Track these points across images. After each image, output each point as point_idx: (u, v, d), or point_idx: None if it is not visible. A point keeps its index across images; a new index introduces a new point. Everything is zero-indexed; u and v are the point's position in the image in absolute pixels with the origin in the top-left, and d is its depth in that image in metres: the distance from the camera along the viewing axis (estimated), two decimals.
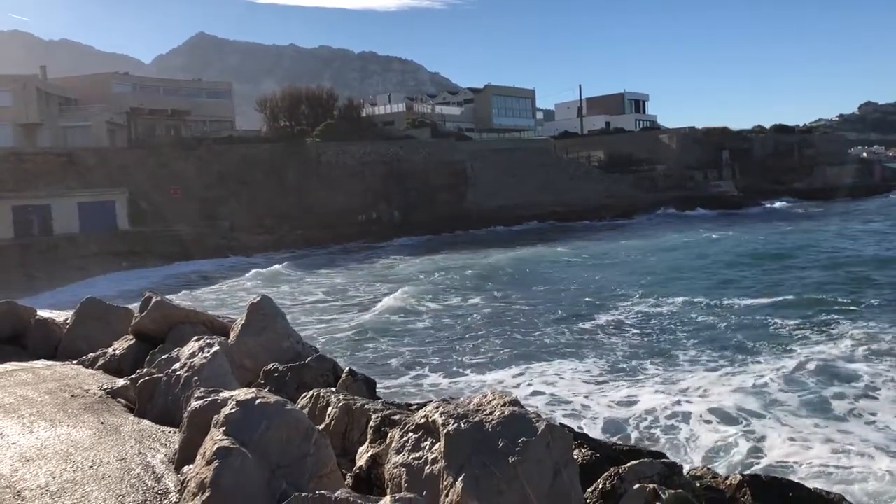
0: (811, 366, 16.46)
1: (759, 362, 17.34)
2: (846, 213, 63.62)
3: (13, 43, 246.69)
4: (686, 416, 13.59)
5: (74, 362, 9.01)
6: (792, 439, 12.21)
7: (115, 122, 62.28)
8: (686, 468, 6.29)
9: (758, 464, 11.07)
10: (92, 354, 9.03)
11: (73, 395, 6.98)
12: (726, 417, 13.45)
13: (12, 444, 5.44)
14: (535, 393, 15.61)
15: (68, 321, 10.61)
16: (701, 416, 13.56)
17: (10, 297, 13.21)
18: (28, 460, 5.05)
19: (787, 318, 21.82)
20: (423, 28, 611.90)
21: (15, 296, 23.65)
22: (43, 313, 11.71)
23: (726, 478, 6.13)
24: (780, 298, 24.99)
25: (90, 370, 8.54)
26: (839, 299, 24.09)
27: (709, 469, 6.60)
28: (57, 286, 37.30)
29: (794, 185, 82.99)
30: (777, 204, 75.39)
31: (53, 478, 4.70)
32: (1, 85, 57.02)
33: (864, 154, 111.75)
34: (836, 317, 21.64)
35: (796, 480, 6.84)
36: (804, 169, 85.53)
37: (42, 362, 9.14)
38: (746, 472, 6.02)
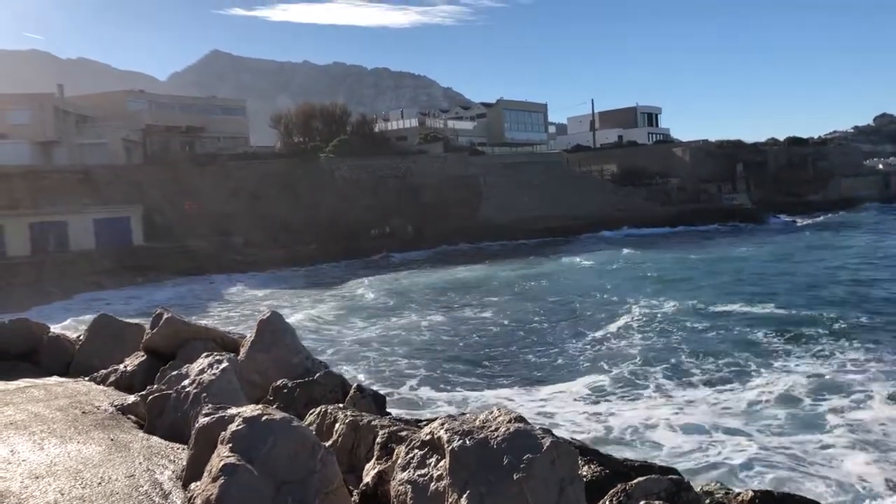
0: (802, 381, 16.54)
1: (749, 374, 17.48)
2: (862, 224, 63.13)
3: (32, 62, 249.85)
4: (666, 427, 13.71)
5: (86, 379, 9.07)
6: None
7: (130, 139, 62.90)
8: (698, 484, 6.23)
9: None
10: (104, 371, 9.07)
11: (83, 412, 7.01)
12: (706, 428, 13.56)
13: (23, 460, 5.47)
14: (523, 398, 15.77)
15: (81, 337, 10.68)
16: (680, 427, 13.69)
17: (24, 313, 13.36)
18: (38, 477, 5.07)
19: (783, 332, 21.75)
20: (435, 44, 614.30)
21: (30, 311, 23.92)
22: (56, 329, 11.81)
23: (737, 494, 6.07)
24: (782, 312, 24.99)
25: (101, 386, 8.58)
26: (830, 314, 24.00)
27: (721, 484, 6.54)
28: (72, 302, 37.61)
29: (809, 197, 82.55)
30: (791, 218, 74.95)
31: (62, 495, 4.72)
32: (19, 104, 57.79)
33: (881, 166, 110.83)
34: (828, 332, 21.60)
35: (809, 497, 6.76)
36: (819, 181, 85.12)
37: (54, 379, 9.20)
38: (758, 489, 5.96)
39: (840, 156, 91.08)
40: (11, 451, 5.72)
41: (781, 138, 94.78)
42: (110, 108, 66.38)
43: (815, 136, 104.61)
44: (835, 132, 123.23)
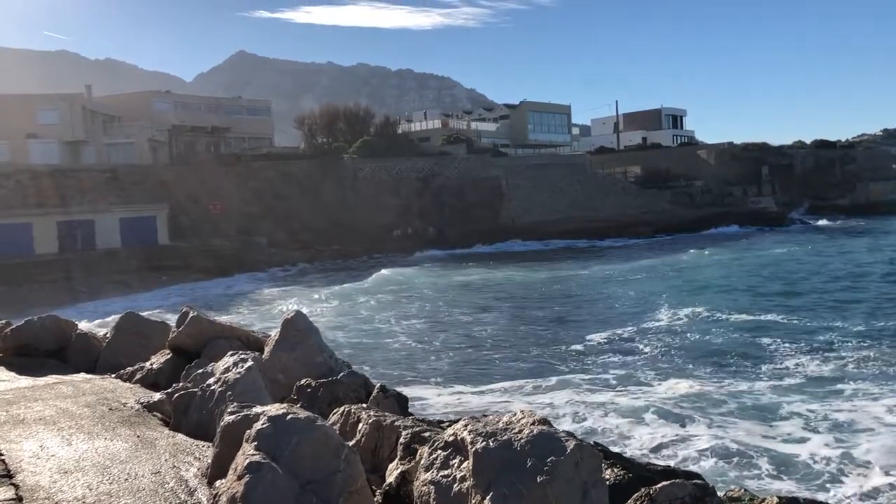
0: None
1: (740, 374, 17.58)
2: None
3: (61, 63, 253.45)
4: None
5: (113, 376, 9.16)
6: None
7: (156, 139, 63.61)
8: (722, 490, 6.19)
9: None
10: (130, 368, 9.17)
11: (110, 409, 7.10)
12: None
13: (52, 455, 5.55)
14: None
15: (108, 335, 10.80)
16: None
17: (53, 311, 13.52)
18: (66, 472, 5.14)
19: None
20: (459, 46, 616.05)
21: (57, 309, 24.23)
22: (84, 327, 11.95)
23: (762, 500, 6.02)
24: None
25: (128, 384, 8.67)
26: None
27: (746, 490, 6.48)
28: (98, 300, 38.08)
29: (836, 201, 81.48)
30: (818, 221, 73.93)
31: (90, 490, 4.78)
32: (48, 104, 58.69)
33: None
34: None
35: (834, 503, 6.70)
36: (846, 185, 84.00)
37: (82, 375, 9.30)
38: (783, 495, 5.90)
39: (868, 159, 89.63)
40: (41, 446, 5.81)
41: (808, 141, 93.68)
42: (137, 108, 67.19)
43: (843, 139, 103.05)
44: (863, 135, 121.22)
